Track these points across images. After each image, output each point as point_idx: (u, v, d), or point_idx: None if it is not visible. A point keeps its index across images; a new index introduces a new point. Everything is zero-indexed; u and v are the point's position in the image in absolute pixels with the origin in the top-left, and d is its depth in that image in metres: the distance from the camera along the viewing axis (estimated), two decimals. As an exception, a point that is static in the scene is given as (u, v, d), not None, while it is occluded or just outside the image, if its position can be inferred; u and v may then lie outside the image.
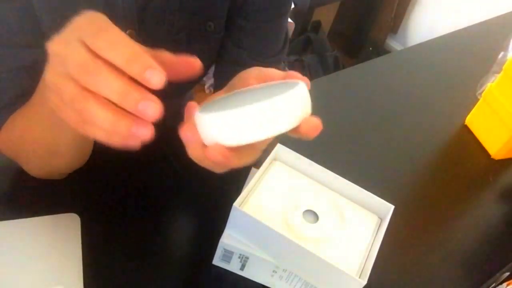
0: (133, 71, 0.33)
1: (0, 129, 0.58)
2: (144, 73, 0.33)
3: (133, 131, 0.34)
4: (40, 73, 0.56)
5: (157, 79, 0.33)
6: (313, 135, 0.39)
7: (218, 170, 0.40)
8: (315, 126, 0.39)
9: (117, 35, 0.34)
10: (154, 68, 0.33)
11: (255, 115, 0.35)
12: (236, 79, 0.46)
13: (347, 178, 0.63)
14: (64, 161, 0.60)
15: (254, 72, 0.45)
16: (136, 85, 0.34)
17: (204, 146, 0.38)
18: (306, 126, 0.38)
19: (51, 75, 0.37)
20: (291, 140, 0.68)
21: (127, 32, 0.60)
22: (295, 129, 0.38)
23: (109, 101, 0.34)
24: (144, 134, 0.34)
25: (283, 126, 0.37)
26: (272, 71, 0.44)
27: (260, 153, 0.41)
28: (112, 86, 0.33)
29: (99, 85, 0.34)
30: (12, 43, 0.54)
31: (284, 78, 0.43)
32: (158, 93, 0.49)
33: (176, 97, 0.86)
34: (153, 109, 0.33)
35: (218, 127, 0.36)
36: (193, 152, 0.39)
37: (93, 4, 0.56)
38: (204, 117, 0.37)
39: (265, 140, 0.39)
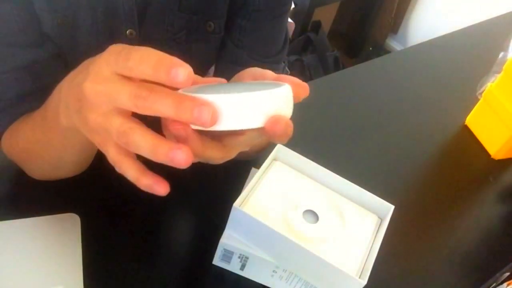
0: (160, 77, 0.34)
1: (4, 130, 0.58)
2: (170, 75, 0.33)
3: (171, 155, 0.34)
4: (39, 73, 0.56)
5: (182, 75, 0.33)
6: (280, 133, 0.37)
7: (181, 157, 0.36)
8: (283, 124, 0.36)
9: (144, 51, 0.35)
10: (177, 65, 0.33)
11: (225, 104, 0.35)
12: (234, 78, 0.46)
13: (347, 178, 0.63)
14: (66, 173, 0.60)
15: (251, 71, 0.45)
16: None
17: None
18: (272, 122, 0.36)
19: (95, 116, 0.37)
20: (291, 140, 0.68)
21: (127, 32, 0.60)
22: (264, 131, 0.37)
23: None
24: (181, 158, 0.34)
25: (249, 122, 0.35)
26: (267, 72, 0.44)
27: (230, 156, 0.40)
28: (166, 104, 0.34)
29: (156, 105, 0.34)
30: (12, 42, 0.54)
31: (276, 79, 0.42)
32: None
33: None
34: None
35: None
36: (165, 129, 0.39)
37: (94, 4, 0.56)
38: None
39: (236, 141, 0.38)
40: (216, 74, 0.74)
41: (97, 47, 0.60)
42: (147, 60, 0.34)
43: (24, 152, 0.58)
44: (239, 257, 0.59)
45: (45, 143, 0.53)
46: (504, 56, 0.98)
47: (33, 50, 0.55)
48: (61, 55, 0.58)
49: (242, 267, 0.60)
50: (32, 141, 0.55)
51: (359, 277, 0.55)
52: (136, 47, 0.36)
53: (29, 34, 0.54)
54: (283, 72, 0.73)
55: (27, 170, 0.61)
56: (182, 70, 0.33)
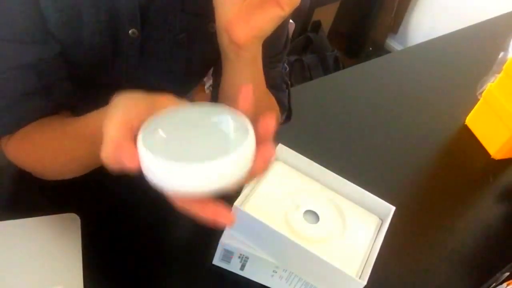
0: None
1: (12, 131, 0.58)
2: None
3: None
4: (44, 71, 0.56)
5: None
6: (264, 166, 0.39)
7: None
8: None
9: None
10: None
11: (199, 173, 0.35)
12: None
13: (347, 179, 0.63)
14: (75, 174, 0.60)
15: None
16: None
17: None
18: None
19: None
20: (292, 140, 0.68)
21: (130, 32, 0.60)
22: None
23: None
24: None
25: (225, 185, 0.36)
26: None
27: None
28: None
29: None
30: (17, 39, 0.54)
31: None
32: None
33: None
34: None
35: (160, 173, 0.37)
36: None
37: (97, 3, 0.56)
38: (146, 157, 0.37)
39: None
40: (214, 74, 0.74)
41: (101, 46, 0.60)
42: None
43: (48, 163, 0.59)
44: (239, 257, 0.59)
45: (71, 150, 0.55)
46: (504, 56, 0.98)
47: (38, 48, 0.55)
48: (65, 54, 0.58)
49: (242, 267, 0.60)
50: (63, 153, 0.56)
51: (359, 278, 0.55)
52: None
53: (34, 31, 0.55)
54: (282, 70, 0.73)
55: (37, 174, 0.61)
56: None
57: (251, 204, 0.58)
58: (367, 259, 0.57)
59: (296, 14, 0.56)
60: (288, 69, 0.74)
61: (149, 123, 0.39)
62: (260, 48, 0.56)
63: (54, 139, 0.57)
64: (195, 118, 0.41)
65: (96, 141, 0.50)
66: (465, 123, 0.97)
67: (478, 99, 0.96)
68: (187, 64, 0.68)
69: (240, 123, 0.39)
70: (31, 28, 0.54)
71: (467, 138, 0.95)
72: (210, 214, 0.38)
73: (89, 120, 0.51)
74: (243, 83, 0.60)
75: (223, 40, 0.56)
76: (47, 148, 0.57)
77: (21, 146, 0.59)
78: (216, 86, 0.69)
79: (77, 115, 0.63)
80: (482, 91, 0.96)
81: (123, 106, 0.41)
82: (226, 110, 0.40)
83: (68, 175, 0.60)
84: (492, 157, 0.91)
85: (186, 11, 0.62)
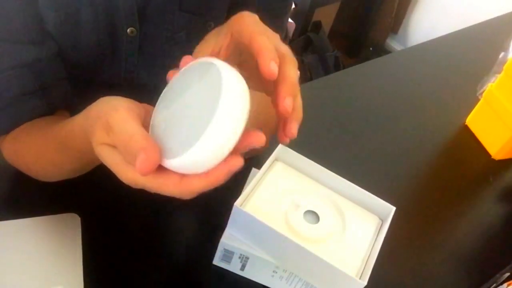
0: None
1: (8, 131, 0.58)
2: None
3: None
4: (41, 72, 0.56)
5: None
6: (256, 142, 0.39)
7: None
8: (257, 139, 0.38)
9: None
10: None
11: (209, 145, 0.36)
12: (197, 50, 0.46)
13: (348, 179, 0.62)
14: (69, 177, 0.60)
15: (208, 48, 0.45)
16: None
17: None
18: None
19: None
20: (292, 140, 0.68)
21: (128, 30, 0.60)
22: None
23: None
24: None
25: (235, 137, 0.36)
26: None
27: None
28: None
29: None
30: (15, 38, 0.54)
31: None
32: (159, 92, 0.48)
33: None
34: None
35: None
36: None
37: (95, 1, 0.56)
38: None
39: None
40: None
41: (99, 45, 0.60)
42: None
43: (31, 164, 0.59)
44: (239, 257, 0.59)
45: (60, 160, 0.54)
46: (505, 56, 0.98)
47: (36, 48, 0.55)
48: (63, 54, 0.58)
49: (243, 267, 0.60)
50: (43, 156, 0.56)
51: (359, 278, 0.55)
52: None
53: (32, 31, 0.55)
54: None
55: (27, 174, 0.61)
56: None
57: (251, 204, 0.58)
58: (367, 259, 0.57)
59: (296, 14, 0.56)
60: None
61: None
62: None
63: (36, 141, 0.56)
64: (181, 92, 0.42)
65: (68, 146, 0.50)
66: (466, 124, 0.97)
67: (479, 100, 0.96)
68: None
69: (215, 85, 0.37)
70: (29, 28, 0.54)
71: (468, 139, 0.95)
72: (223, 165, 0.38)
73: (66, 125, 0.49)
74: None
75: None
76: (30, 150, 0.57)
77: (12, 146, 0.59)
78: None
79: (75, 114, 0.64)
80: (483, 92, 0.96)
81: (122, 106, 0.40)
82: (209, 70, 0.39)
83: (52, 179, 0.60)
84: (492, 157, 0.91)
85: (184, 10, 0.62)
